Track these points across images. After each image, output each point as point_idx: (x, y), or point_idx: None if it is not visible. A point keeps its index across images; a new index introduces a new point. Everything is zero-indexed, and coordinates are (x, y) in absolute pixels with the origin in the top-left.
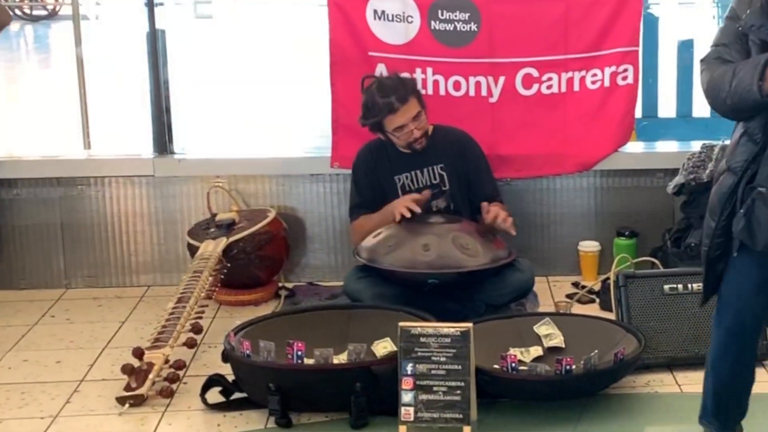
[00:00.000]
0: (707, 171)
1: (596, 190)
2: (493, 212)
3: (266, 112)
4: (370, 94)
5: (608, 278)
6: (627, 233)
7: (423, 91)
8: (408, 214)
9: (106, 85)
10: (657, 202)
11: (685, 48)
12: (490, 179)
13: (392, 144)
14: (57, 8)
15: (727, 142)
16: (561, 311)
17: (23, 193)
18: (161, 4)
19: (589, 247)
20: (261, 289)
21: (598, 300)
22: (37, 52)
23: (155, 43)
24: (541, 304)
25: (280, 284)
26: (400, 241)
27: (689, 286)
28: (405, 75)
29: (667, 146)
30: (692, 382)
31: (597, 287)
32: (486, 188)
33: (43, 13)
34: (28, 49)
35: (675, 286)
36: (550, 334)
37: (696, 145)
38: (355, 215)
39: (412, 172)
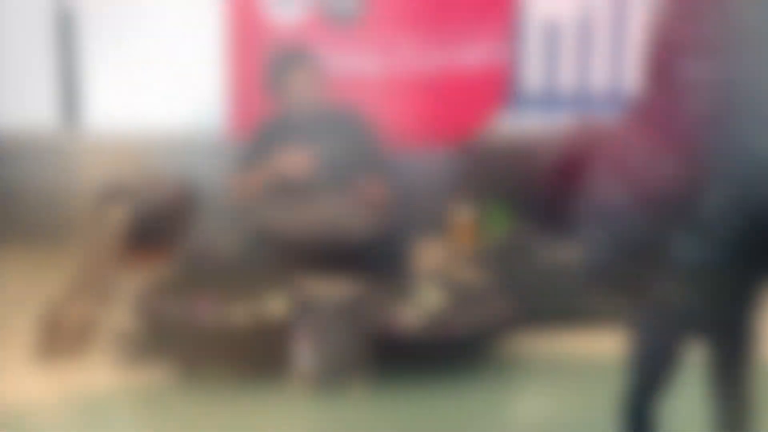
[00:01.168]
0: None
1: (471, 161)
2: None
3: (170, 83)
4: (272, 60)
5: (483, 244)
6: (502, 202)
7: None
8: (291, 170)
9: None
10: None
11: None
12: (376, 154)
13: None
14: None
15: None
16: (441, 275)
17: None
18: None
19: (465, 215)
20: (161, 254)
21: (473, 266)
22: None
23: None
24: (420, 268)
25: (179, 249)
26: (289, 206)
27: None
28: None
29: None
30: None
31: (472, 254)
32: (371, 163)
33: None
34: None
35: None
36: (432, 296)
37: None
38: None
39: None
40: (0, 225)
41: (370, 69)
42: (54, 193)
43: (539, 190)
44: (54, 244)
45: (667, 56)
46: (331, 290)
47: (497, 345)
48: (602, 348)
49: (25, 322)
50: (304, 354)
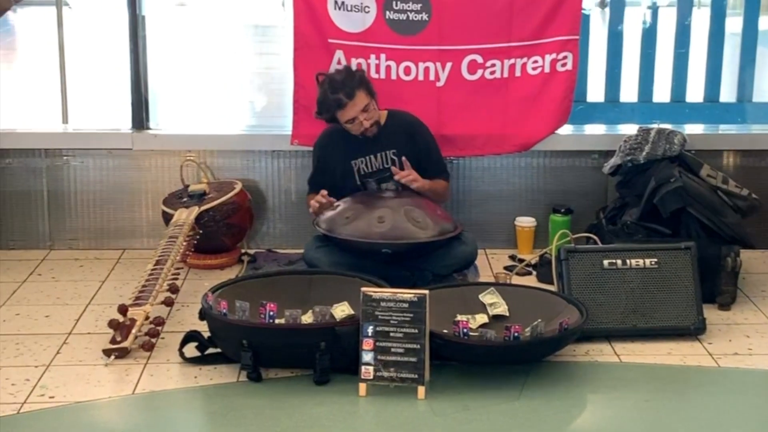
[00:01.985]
0: (644, 153)
1: (533, 169)
2: (403, 173)
3: (234, 92)
4: (322, 90)
5: (546, 252)
6: (562, 210)
7: (376, 76)
8: (315, 208)
9: (88, 66)
10: (590, 181)
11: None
12: (438, 159)
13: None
14: None
15: (663, 125)
16: (502, 282)
17: (14, 163)
18: None
19: (526, 222)
20: (226, 255)
21: (535, 273)
22: (7, 35)
23: (136, 28)
24: (481, 275)
25: (243, 250)
26: (356, 214)
27: (628, 261)
28: (354, 67)
29: (597, 129)
30: (630, 353)
31: (534, 261)
32: (434, 167)
33: None
34: None
35: (614, 261)
36: (495, 302)
37: (624, 129)
38: (309, 189)
39: (367, 157)
40: (71, 226)
41: (435, 76)
42: (125, 195)
43: None
44: (124, 244)
45: None
46: (397, 295)
47: (561, 351)
48: (665, 357)
49: (96, 320)
50: (371, 357)
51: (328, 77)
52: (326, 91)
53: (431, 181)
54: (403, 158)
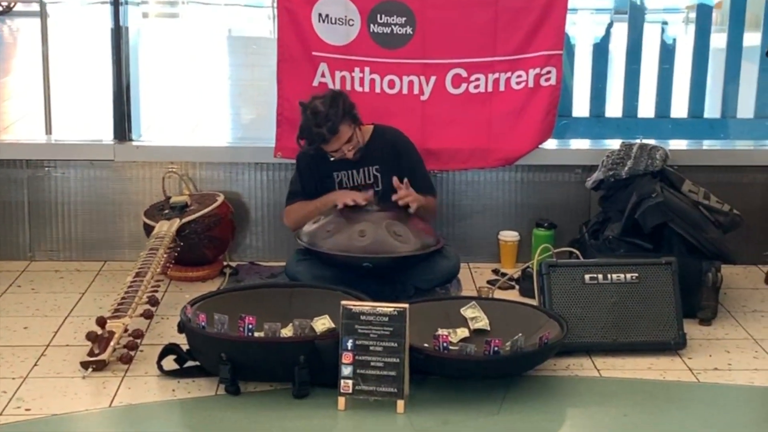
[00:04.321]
0: (626, 168)
1: (517, 184)
2: (401, 193)
3: (216, 103)
4: (306, 119)
5: (528, 266)
6: (546, 224)
7: (360, 89)
8: (351, 203)
9: (71, 77)
10: (574, 196)
11: (601, 52)
12: (424, 176)
13: None
14: (11, 5)
15: (646, 141)
16: (484, 296)
17: None
18: (126, 2)
19: (509, 236)
20: (208, 267)
21: (518, 287)
22: None
23: (119, 39)
24: (463, 289)
25: (225, 263)
26: (338, 227)
27: (609, 276)
28: (337, 91)
29: (581, 144)
30: (610, 368)
31: (516, 275)
32: (420, 185)
33: None
34: None
35: (595, 275)
36: (476, 317)
37: (609, 143)
38: (291, 200)
39: (350, 171)
40: (52, 237)
41: (419, 89)
42: (106, 206)
43: None
44: (105, 256)
45: None
46: (376, 308)
47: (541, 365)
48: (645, 371)
49: (74, 333)
50: (350, 371)
51: (311, 106)
52: (309, 122)
53: (424, 198)
54: (405, 180)
